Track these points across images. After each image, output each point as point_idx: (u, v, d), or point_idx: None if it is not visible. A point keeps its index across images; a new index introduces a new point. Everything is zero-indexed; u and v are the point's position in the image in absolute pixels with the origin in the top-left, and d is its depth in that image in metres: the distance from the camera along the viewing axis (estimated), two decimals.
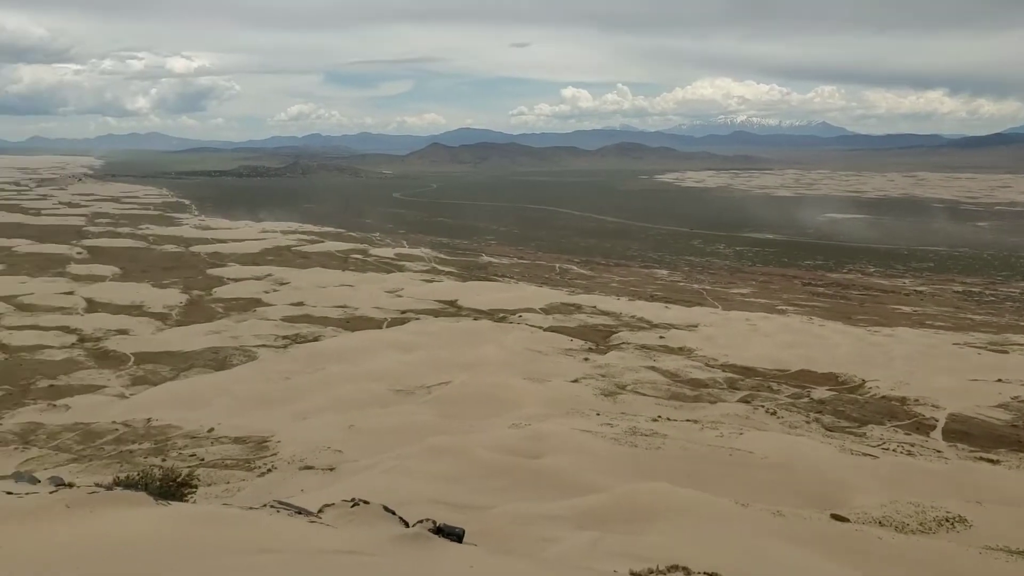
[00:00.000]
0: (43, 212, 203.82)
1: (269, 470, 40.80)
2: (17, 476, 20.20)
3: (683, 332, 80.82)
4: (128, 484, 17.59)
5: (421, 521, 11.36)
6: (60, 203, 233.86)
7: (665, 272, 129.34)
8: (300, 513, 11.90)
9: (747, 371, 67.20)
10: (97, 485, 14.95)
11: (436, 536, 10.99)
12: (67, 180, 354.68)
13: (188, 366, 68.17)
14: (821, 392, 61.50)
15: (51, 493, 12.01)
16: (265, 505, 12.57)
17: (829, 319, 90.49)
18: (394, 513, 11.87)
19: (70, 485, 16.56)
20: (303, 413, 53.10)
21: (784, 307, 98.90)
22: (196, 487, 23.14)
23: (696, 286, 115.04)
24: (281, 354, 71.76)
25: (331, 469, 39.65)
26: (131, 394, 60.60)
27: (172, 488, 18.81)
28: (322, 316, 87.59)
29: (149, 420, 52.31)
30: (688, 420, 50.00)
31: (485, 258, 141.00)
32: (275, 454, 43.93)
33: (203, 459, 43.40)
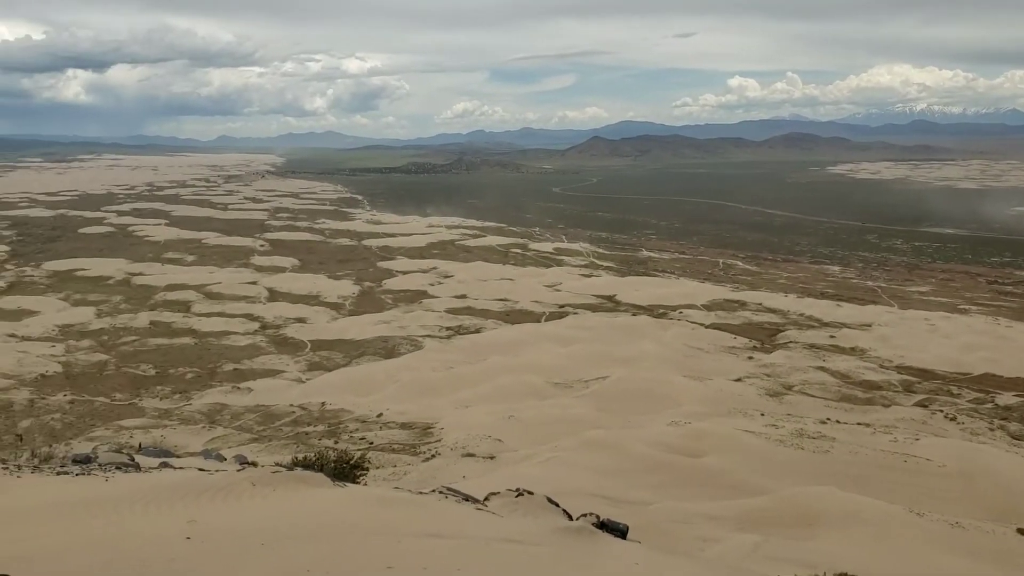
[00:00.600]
0: (229, 207, 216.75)
1: (433, 456, 42.12)
2: (205, 454, 21.94)
3: (855, 331, 77.19)
4: (306, 465, 18.68)
5: (585, 515, 11.46)
6: (245, 198, 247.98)
7: (837, 268, 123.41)
8: (467, 500, 12.29)
9: (925, 374, 63.47)
10: (278, 465, 15.98)
11: (599, 531, 11.07)
12: (251, 177, 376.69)
13: (359, 354, 71.48)
14: (1007, 398, 57.23)
15: (238, 471, 12.96)
16: (434, 490, 13.05)
17: (1017, 320, 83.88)
18: (557, 505, 12.05)
19: (253, 464, 17.83)
20: (465, 402, 54.48)
21: (967, 306, 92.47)
22: (367, 469, 24.21)
23: (870, 283, 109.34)
24: (445, 344, 73.99)
25: (491, 457, 40.48)
26: (307, 379, 64.25)
27: (346, 470, 19.81)
28: (483, 309, 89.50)
29: (323, 404, 55.26)
30: (859, 424, 47.72)
31: (644, 253, 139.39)
32: (439, 440, 45.30)
33: (372, 443, 45.36)
